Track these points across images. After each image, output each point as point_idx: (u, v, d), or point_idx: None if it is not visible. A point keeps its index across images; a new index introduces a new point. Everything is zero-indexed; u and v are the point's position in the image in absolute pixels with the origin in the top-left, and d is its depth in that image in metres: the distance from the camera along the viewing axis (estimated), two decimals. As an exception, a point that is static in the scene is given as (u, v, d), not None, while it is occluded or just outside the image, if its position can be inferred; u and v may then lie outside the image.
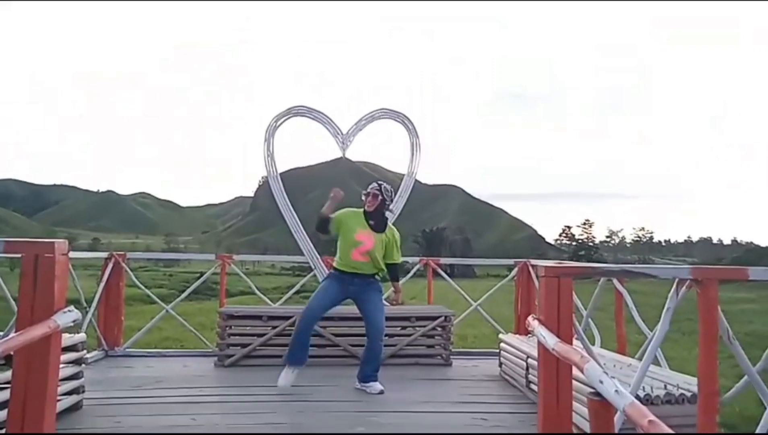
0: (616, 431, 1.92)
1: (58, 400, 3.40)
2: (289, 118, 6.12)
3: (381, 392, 4.14)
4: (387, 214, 4.40)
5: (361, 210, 4.39)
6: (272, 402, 3.93)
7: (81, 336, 3.69)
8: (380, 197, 4.33)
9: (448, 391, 4.39)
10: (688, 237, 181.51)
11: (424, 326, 5.35)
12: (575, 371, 2.50)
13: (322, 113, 6.13)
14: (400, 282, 4.68)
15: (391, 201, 4.53)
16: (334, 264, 4.41)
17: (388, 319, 5.35)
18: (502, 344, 4.83)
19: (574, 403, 3.15)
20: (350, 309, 4.64)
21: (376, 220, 4.34)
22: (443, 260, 6.40)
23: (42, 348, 1.72)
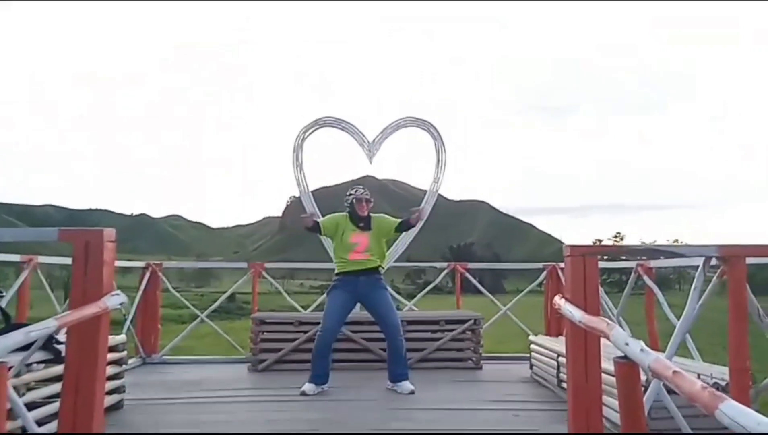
0: (646, 411, 1.94)
1: (102, 398, 3.59)
2: (317, 129, 6.26)
3: (412, 392, 4.18)
4: (416, 220, 4.46)
5: (346, 214, 4.51)
6: (304, 400, 4.00)
7: (121, 337, 3.84)
8: (371, 202, 4.51)
9: (479, 392, 4.40)
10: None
11: (453, 330, 5.37)
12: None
13: (350, 123, 6.25)
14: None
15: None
16: (336, 270, 4.49)
17: (416, 322, 5.44)
18: (532, 346, 4.82)
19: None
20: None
21: (365, 221, 4.47)
22: (471, 265, 6.42)
23: (93, 327, 1.84)
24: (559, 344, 4.30)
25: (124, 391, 3.79)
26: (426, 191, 6.31)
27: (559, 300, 2.09)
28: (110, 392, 3.66)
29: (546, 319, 6.07)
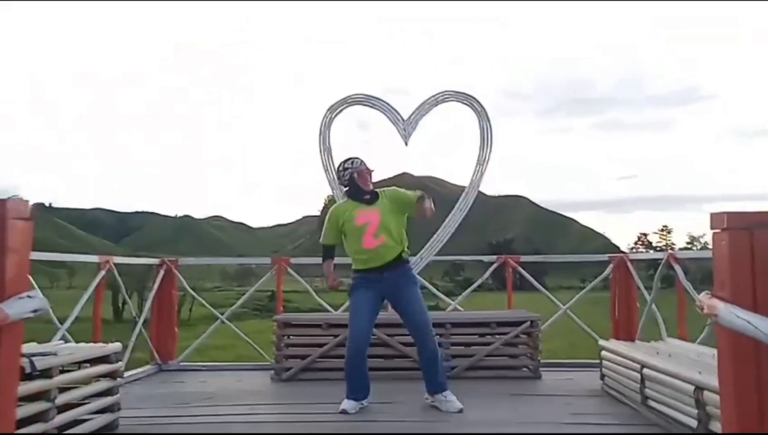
0: None
1: (88, 419, 3.00)
2: (345, 107, 5.59)
3: (460, 411, 3.46)
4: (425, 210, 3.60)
5: (345, 198, 3.80)
6: (333, 422, 3.33)
7: (115, 346, 3.25)
8: (372, 171, 3.75)
9: (542, 410, 3.64)
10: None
11: (507, 333, 4.61)
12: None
13: (381, 100, 5.56)
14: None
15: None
16: (353, 268, 3.73)
17: (462, 325, 4.70)
18: (604, 353, 4.02)
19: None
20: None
21: (371, 194, 3.70)
22: (524, 258, 5.62)
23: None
24: (642, 353, 3.50)
25: (118, 410, 3.20)
26: (465, 187, 5.56)
27: (708, 300, 1.34)
28: (101, 411, 3.09)
29: (614, 321, 5.24)
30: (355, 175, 3.73)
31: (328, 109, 5.58)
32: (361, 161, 3.77)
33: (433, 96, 5.52)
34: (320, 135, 5.55)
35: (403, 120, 5.48)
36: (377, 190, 3.76)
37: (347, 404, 3.49)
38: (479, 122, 5.54)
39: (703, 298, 1.37)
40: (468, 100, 5.55)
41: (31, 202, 1.37)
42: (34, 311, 1.35)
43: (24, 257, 1.35)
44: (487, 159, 5.52)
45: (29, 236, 1.36)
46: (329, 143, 5.56)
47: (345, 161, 3.81)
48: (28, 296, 1.33)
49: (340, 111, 5.61)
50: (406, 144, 5.47)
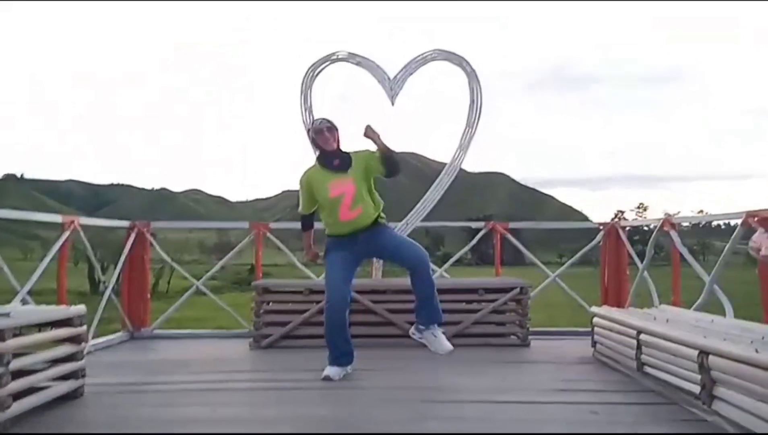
0: None
1: (48, 387, 2.76)
2: (328, 65, 5.30)
3: (450, 352, 3.32)
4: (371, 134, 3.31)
5: (316, 164, 3.48)
6: (314, 390, 3.14)
7: (78, 308, 2.98)
8: (336, 130, 3.43)
9: (533, 377, 3.50)
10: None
11: (495, 300, 4.46)
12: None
13: (367, 58, 5.28)
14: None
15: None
16: (326, 232, 3.49)
17: (450, 291, 4.51)
18: (596, 319, 3.88)
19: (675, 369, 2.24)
20: (404, 281, 3.74)
21: (341, 158, 3.40)
22: (513, 225, 5.45)
23: None
24: (638, 318, 3.37)
25: (83, 376, 2.96)
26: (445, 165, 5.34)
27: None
28: (64, 377, 2.85)
29: (602, 289, 5.13)
30: (315, 135, 3.43)
31: (310, 67, 5.29)
32: (322, 120, 3.44)
33: (422, 54, 5.26)
34: (302, 94, 5.27)
35: (389, 79, 5.22)
36: (349, 153, 3.44)
37: (330, 371, 3.30)
38: (469, 83, 5.31)
39: (759, 237, 1.18)
40: (457, 60, 5.30)
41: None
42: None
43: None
44: (476, 121, 5.31)
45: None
46: (311, 102, 5.29)
47: (313, 123, 3.55)
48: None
49: (323, 68, 5.32)
50: (393, 104, 5.22)
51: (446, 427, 2.45)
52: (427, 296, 3.36)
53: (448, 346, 3.35)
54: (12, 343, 2.45)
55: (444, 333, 3.44)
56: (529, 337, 4.41)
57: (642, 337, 3.17)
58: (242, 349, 4.35)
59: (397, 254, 3.43)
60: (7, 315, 2.45)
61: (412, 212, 5.21)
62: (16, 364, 2.48)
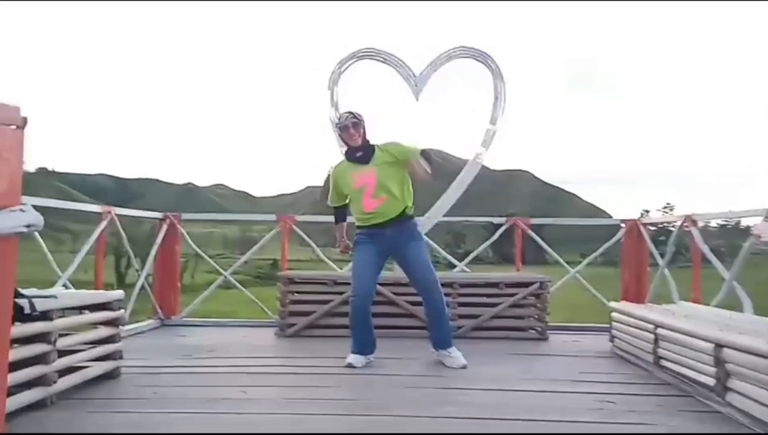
0: None
1: (88, 367, 2.94)
2: (354, 62, 5.43)
3: (463, 367, 3.40)
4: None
5: (342, 159, 3.65)
6: (336, 374, 3.27)
7: (117, 293, 3.16)
8: (362, 124, 3.53)
9: (551, 368, 3.58)
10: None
11: (515, 295, 4.53)
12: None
13: (392, 54, 5.39)
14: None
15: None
16: (356, 225, 3.62)
17: (470, 285, 4.61)
18: (614, 314, 3.94)
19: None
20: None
21: (364, 151, 3.53)
22: (534, 221, 5.50)
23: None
24: (656, 313, 3.42)
25: (120, 358, 3.14)
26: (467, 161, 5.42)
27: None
28: (103, 358, 3.03)
29: (623, 285, 5.16)
30: (340, 132, 3.60)
31: (338, 64, 5.42)
32: (348, 116, 3.56)
33: (447, 51, 5.34)
34: (329, 90, 5.40)
35: (414, 75, 5.32)
36: (375, 145, 3.57)
37: (353, 358, 3.43)
38: (493, 81, 5.38)
39: (762, 225, 1.26)
40: (482, 57, 5.37)
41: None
42: (28, 226, 1.22)
43: (16, 167, 1.22)
44: (499, 118, 5.37)
45: (20, 145, 1.24)
46: (337, 99, 5.41)
47: (340, 118, 3.68)
48: (21, 210, 1.21)
49: (349, 65, 5.44)
50: (417, 99, 5.32)
51: (463, 412, 2.55)
52: (436, 317, 3.50)
53: (462, 361, 3.44)
54: (59, 322, 2.62)
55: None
56: (548, 331, 4.48)
57: (659, 331, 3.22)
58: (268, 337, 4.52)
59: (411, 271, 3.55)
60: (54, 297, 2.62)
61: (433, 208, 5.31)
62: (61, 343, 2.66)
